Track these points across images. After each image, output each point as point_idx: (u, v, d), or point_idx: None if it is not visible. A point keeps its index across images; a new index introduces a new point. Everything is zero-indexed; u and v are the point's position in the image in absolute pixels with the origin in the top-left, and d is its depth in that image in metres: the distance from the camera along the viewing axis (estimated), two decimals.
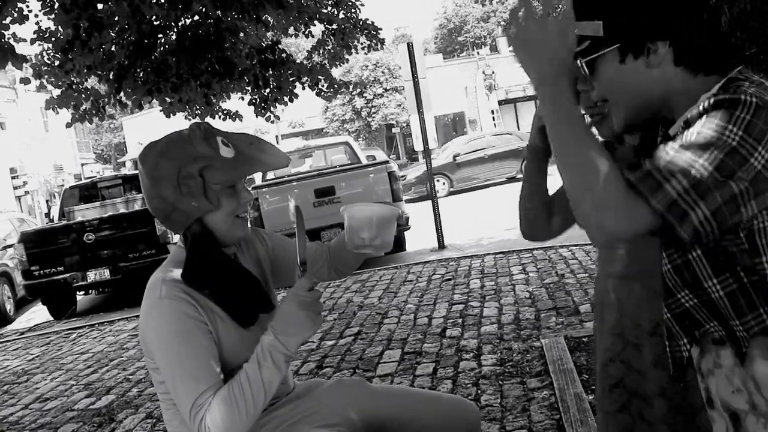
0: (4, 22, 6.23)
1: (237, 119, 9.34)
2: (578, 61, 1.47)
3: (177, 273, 1.97)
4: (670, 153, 1.31)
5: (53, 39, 7.36)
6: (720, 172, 1.26)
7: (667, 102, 1.46)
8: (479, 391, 4.36)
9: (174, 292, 1.91)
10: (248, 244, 2.27)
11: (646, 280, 1.95)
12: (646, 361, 1.97)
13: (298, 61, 9.30)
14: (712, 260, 1.41)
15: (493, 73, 38.85)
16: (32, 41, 7.54)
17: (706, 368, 1.51)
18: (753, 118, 1.28)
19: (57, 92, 7.95)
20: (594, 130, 1.92)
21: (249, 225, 2.13)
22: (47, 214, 17.79)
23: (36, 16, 7.26)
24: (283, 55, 8.76)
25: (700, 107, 1.36)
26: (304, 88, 9.16)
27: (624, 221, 1.30)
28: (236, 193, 2.01)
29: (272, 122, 9.42)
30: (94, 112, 8.09)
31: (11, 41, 6.64)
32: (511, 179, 20.94)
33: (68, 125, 8.37)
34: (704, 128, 1.30)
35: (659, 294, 1.89)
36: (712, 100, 1.33)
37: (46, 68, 7.69)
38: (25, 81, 7.75)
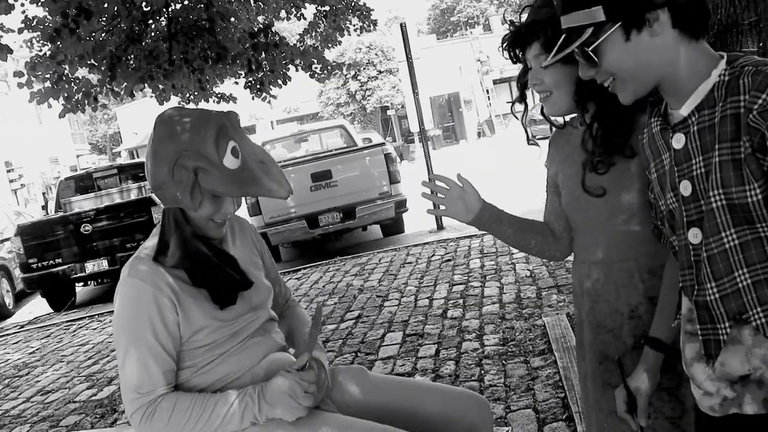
0: None
1: (231, 101, 9.26)
2: (581, 51, 1.52)
3: (145, 248, 2.00)
4: None
5: (41, 27, 7.27)
6: None
7: (670, 70, 1.50)
8: (482, 372, 4.34)
9: (141, 270, 1.93)
10: (244, 230, 2.24)
11: (623, 263, 1.94)
12: (626, 346, 1.95)
13: (290, 44, 9.22)
14: None
15: (488, 57, 38.75)
16: (20, 30, 7.45)
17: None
18: None
19: (46, 85, 7.86)
20: (544, 107, 1.97)
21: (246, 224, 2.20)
22: (44, 207, 17.77)
23: (22, 5, 7.17)
24: (276, 38, 8.67)
25: (744, 100, 1.39)
26: (297, 71, 9.08)
27: None
28: (220, 201, 1.99)
29: (269, 102, 9.35)
30: (86, 102, 8.01)
31: None
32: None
33: (61, 115, 8.29)
34: None
35: (637, 277, 1.92)
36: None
37: (38, 60, 7.61)
38: (18, 74, 7.65)
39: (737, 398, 1.48)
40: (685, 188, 1.51)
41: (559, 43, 1.56)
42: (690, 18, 1.47)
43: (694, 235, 1.51)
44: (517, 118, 2.08)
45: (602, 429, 2.03)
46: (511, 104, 2.10)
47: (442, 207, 2.08)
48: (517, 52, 1.93)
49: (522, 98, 2.05)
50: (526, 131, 2.13)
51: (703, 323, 1.52)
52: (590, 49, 1.50)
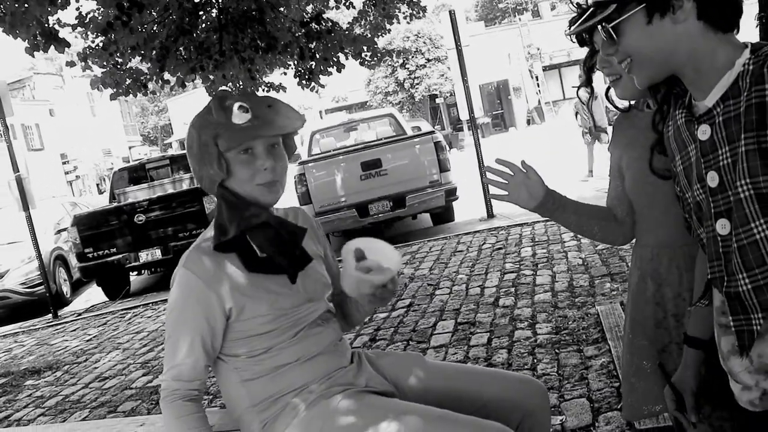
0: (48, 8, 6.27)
1: (281, 90, 9.30)
2: (602, 26, 1.52)
3: (205, 240, 2.05)
4: None
5: (98, 21, 7.40)
6: None
7: (692, 60, 1.49)
8: (535, 360, 4.30)
9: (195, 261, 1.99)
10: (307, 221, 2.26)
11: (687, 247, 1.91)
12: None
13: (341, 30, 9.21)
14: None
15: (537, 48, 38.34)
16: (74, 27, 7.60)
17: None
18: None
19: (98, 74, 8.00)
20: (612, 91, 1.95)
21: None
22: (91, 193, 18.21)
23: (77, 0, 7.30)
24: (329, 23, 8.68)
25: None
26: (347, 58, 9.07)
27: None
28: (253, 160, 1.99)
29: (317, 92, 9.35)
30: (136, 87, 8.13)
31: (55, 26, 6.69)
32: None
33: (112, 98, 8.41)
34: None
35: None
36: None
37: (90, 50, 7.75)
38: (70, 64, 7.81)
39: None
40: (712, 179, 1.49)
41: (584, 16, 1.56)
42: (717, 12, 1.45)
43: (722, 227, 1.49)
44: (582, 102, 2.05)
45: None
46: (576, 88, 2.07)
47: (504, 193, 2.05)
48: (584, 35, 1.91)
49: (588, 81, 2.02)
50: (592, 116, 2.09)
51: (736, 315, 1.50)
52: (611, 25, 1.50)
